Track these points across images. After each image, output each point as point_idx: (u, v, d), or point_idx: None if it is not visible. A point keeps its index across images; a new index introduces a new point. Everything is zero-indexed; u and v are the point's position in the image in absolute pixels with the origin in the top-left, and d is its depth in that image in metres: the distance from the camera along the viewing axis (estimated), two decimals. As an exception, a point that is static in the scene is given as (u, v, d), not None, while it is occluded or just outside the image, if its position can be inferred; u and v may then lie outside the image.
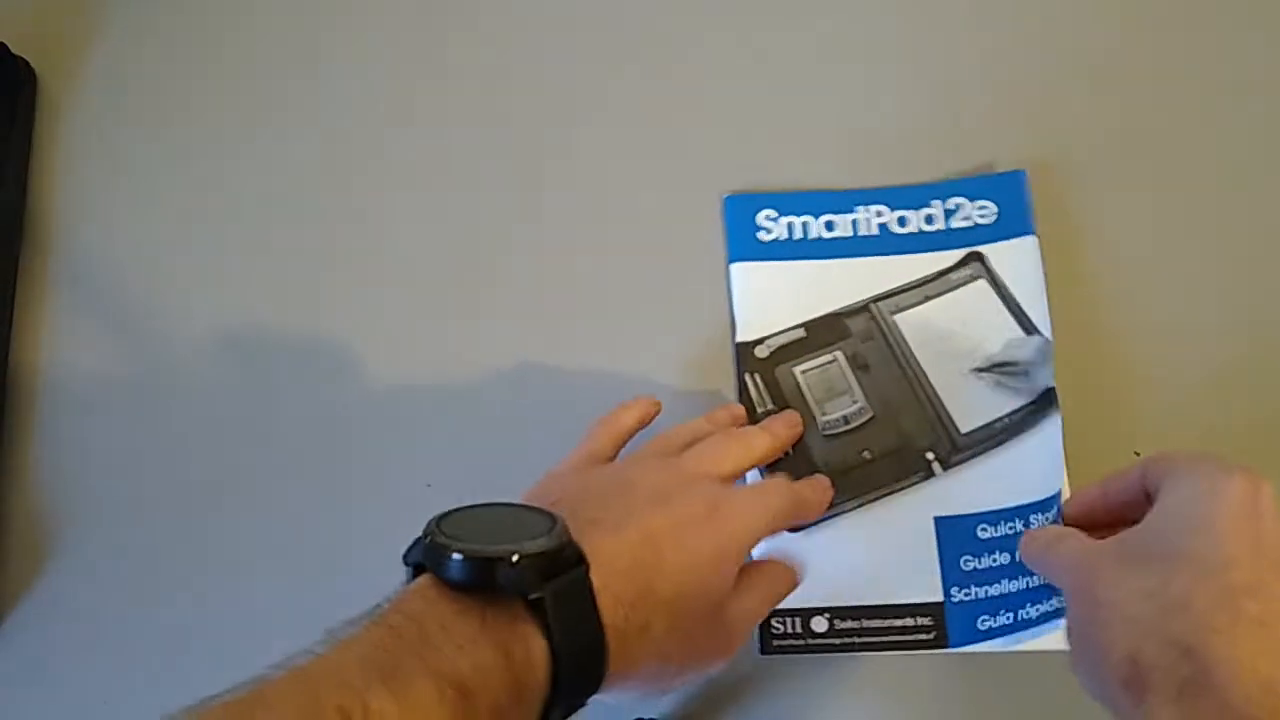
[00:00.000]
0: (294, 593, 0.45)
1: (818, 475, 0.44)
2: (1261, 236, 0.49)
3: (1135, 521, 0.34)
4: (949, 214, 0.48)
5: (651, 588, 0.33)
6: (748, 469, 0.41)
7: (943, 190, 0.49)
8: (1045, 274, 0.47)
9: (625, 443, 0.42)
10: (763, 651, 0.43)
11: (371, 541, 0.45)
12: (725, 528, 0.36)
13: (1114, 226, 0.49)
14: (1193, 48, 0.52)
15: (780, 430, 0.44)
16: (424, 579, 0.29)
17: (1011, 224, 0.48)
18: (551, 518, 0.31)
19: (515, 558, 0.28)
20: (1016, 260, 0.47)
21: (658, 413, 0.43)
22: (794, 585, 0.40)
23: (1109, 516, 0.38)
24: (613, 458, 0.41)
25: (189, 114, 0.53)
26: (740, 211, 0.49)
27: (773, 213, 0.49)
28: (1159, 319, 0.48)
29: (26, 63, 0.53)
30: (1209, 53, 0.52)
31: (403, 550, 0.42)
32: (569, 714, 0.30)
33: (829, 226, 0.49)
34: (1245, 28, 0.52)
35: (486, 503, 0.32)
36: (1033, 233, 0.47)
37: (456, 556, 0.28)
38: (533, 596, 0.28)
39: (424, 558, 0.29)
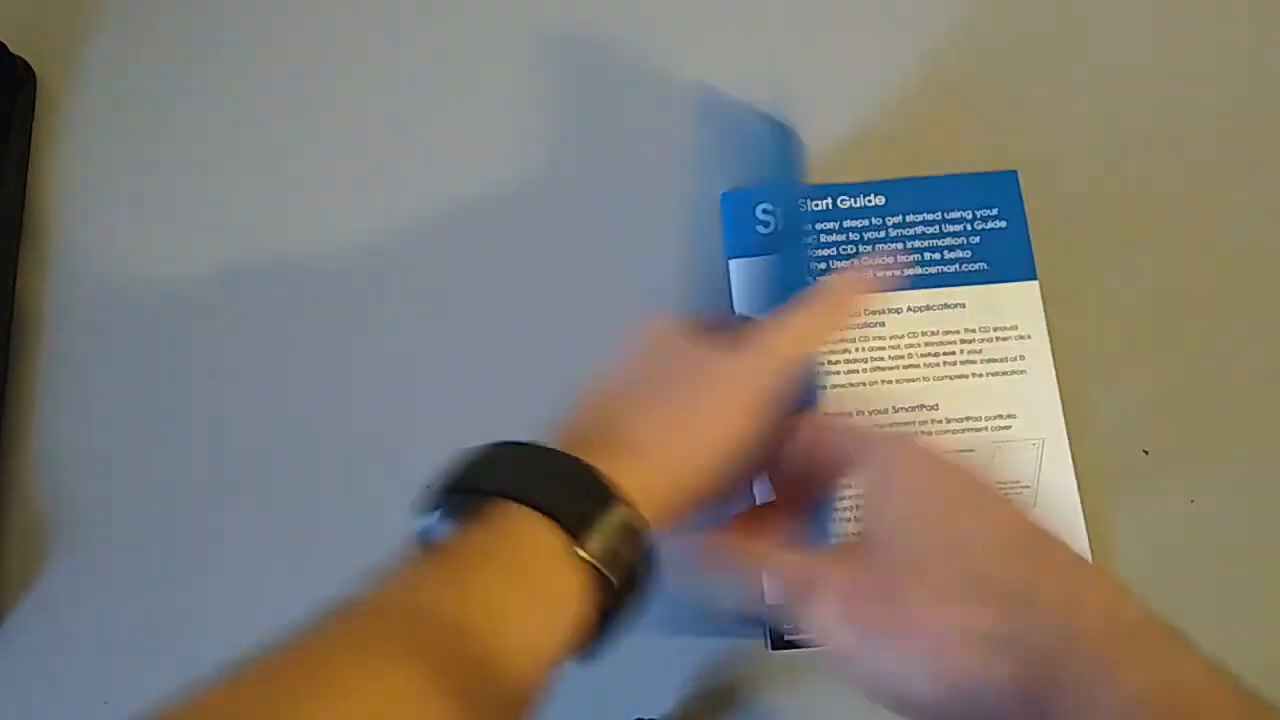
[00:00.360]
0: (295, 591, 0.44)
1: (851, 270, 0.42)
2: (1263, 234, 0.48)
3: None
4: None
5: (697, 482, 0.33)
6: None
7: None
8: (1041, 277, 0.47)
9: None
10: (772, 648, 0.43)
11: (374, 539, 0.45)
12: (745, 374, 0.34)
13: (1111, 226, 0.49)
14: (1192, 47, 0.52)
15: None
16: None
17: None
18: (602, 485, 0.30)
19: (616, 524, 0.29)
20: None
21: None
22: (852, 310, 0.38)
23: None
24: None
25: (189, 114, 0.53)
26: (738, 207, 0.49)
27: (770, 206, 0.49)
28: (1160, 316, 0.48)
29: (26, 62, 0.53)
30: (1210, 52, 0.52)
31: (402, 549, 0.42)
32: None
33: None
34: (1246, 27, 0.52)
35: (520, 442, 0.32)
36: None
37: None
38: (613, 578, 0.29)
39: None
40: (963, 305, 0.47)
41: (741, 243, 0.48)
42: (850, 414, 0.46)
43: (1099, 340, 0.47)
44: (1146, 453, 0.46)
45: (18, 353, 0.49)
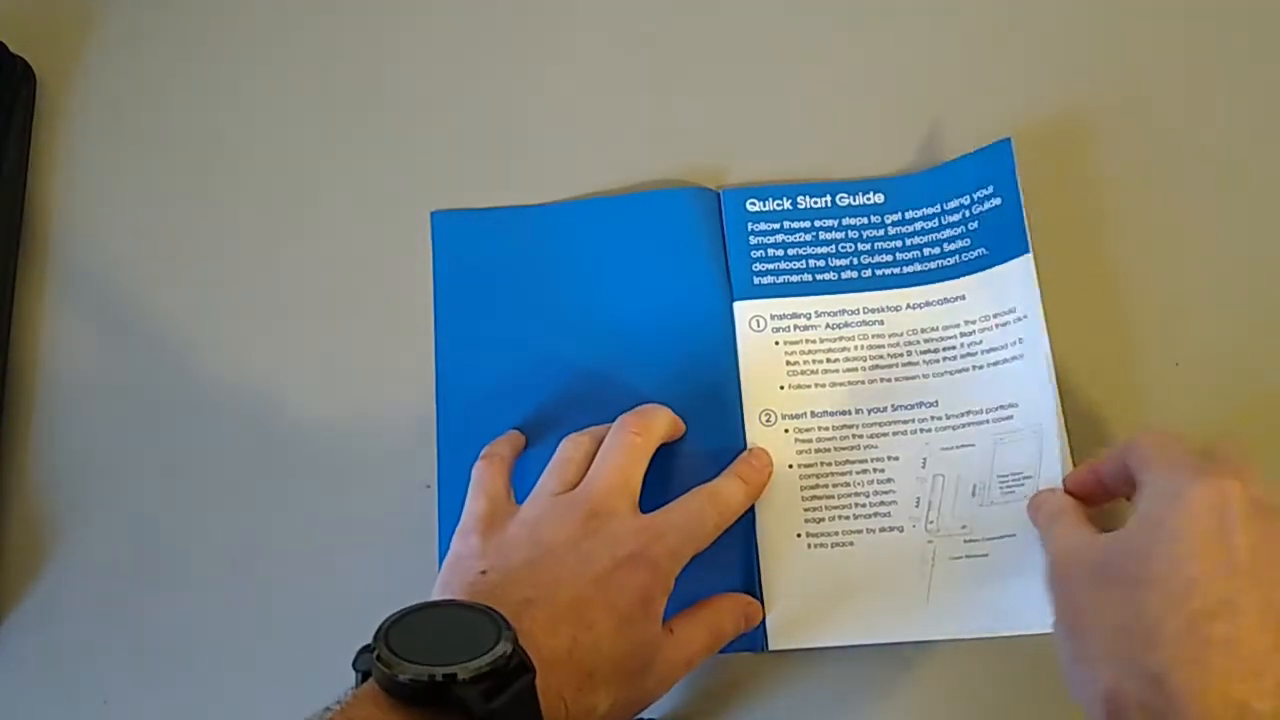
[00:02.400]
0: (294, 592, 0.45)
1: (753, 450, 0.44)
2: (1267, 223, 0.48)
3: (1129, 497, 0.36)
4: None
5: (592, 671, 0.33)
6: (649, 455, 0.41)
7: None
8: (1037, 266, 0.47)
9: (512, 469, 0.41)
10: (765, 648, 0.43)
11: (372, 540, 0.45)
12: (648, 566, 0.36)
13: (1112, 209, 0.49)
14: (1192, 34, 0.52)
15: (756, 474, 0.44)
16: (373, 685, 0.29)
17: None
18: (497, 624, 0.31)
19: (463, 677, 0.28)
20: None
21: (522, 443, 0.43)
22: (742, 626, 0.40)
23: (1104, 495, 0.39)
24: (510, 496, 0.40)
25: (188, 114, 0.53)
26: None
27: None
28: (1161, 306, 0.48)
29: (26, 62, 0.53)
30: (1207, 52, 0.52)
31: (401, 550, 0.42)
32: None
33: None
34: (1239, 31, 0.52)
35: (434, 602, 0.32)
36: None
37: (403, 678, 0.28)
38: (480, 716, 0.28)
39: (373, 674, 0.29)
40: (962, 298, 0.47)
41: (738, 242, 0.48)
42: (850, 411, 0.46)
43: (1099, 339, 0.47)
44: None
45: (17, 352, 0.49)
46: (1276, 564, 0.31)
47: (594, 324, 0.47)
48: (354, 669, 0.30)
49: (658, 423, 0.42)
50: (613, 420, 0.43)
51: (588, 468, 0.40)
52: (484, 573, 0.35)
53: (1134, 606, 0.31)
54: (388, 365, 0.48)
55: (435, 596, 0.35)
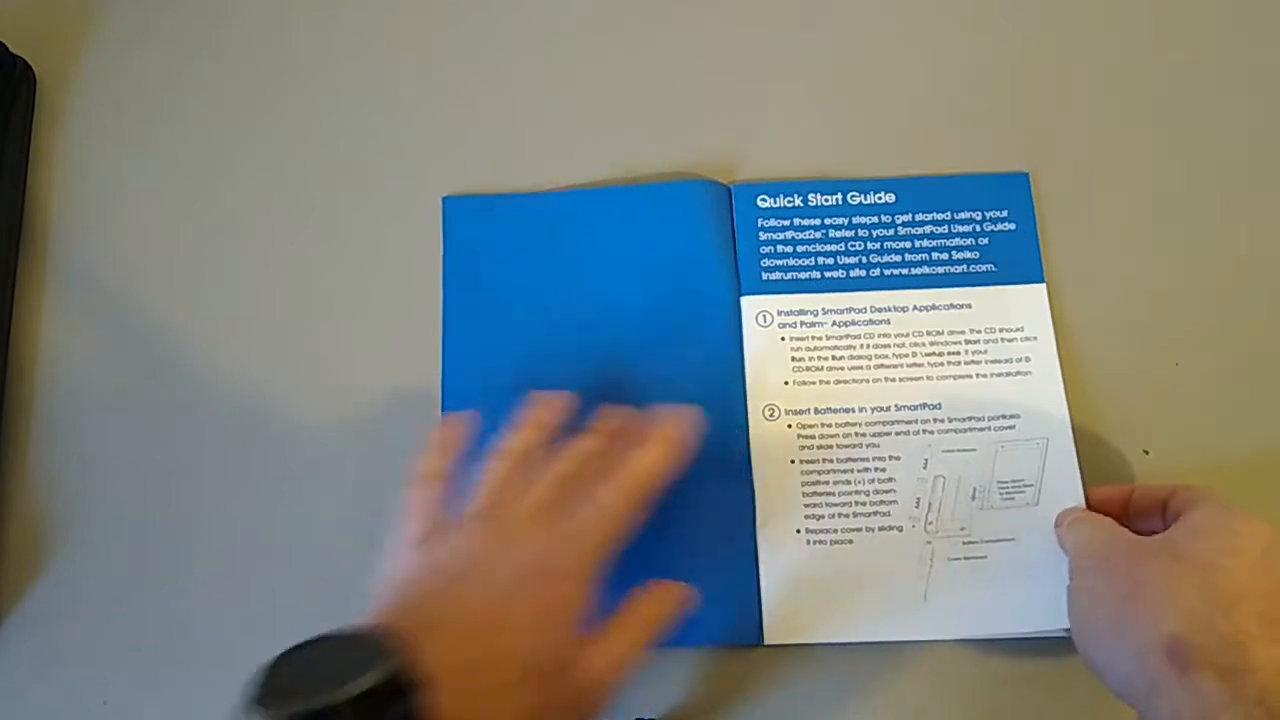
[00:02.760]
0: (294, 592, 0.45)
1: (669, 413, 0.42)
2: (1271, 236, 0.49)
3: (1142, 533, 0.39)
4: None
5: (502, 683, 0.33)
6: (571, 468, 0.40)
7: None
8: (1049, 279, 0.47)
9: (447, 494, 0.41)
10: (762, 643, 0.43)
11: (370, 540, 0.45)
12: (558, 575, 0.36)
13: (1119, 223, 0.49)
14: (1197, 50, 0.52)
15: (672, 433, 0.42)
16: None
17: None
18: (380, 647, 0.30)
19: (342, 700, 0.28)
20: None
21: (464, 433, 0.42)
22: (669, 611, 0.39)
23: (1124, 519, 0.41)
24: (439, 525, 0.39)
25: (189, 113, 0.53)
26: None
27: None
28: (1161, 307, 0.48)
29: (26, 63, 0.53)
30: (1214, 56, 0.52)
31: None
32: None
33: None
34: (1246, 31, 0.52)
35: (321, 635, 0.32)
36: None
37: (284, 715, 0.28)
38: None
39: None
40: (969, 305, 0.47)
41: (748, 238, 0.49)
42: (854, 409, 0.46)
43: (1102, 340, 0.47)
44: (1147, 452, 0.46)
45: (17, 352, 0.49)
46: None
47: (602, 313, 0.48)
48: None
49: (583, 446, 0.41)
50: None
51: (514, 488, 0.40)
52: (397, 600, 0.36)
53: (1207, 579, 0.35)
54: (392, 364, 0.48)
55: None
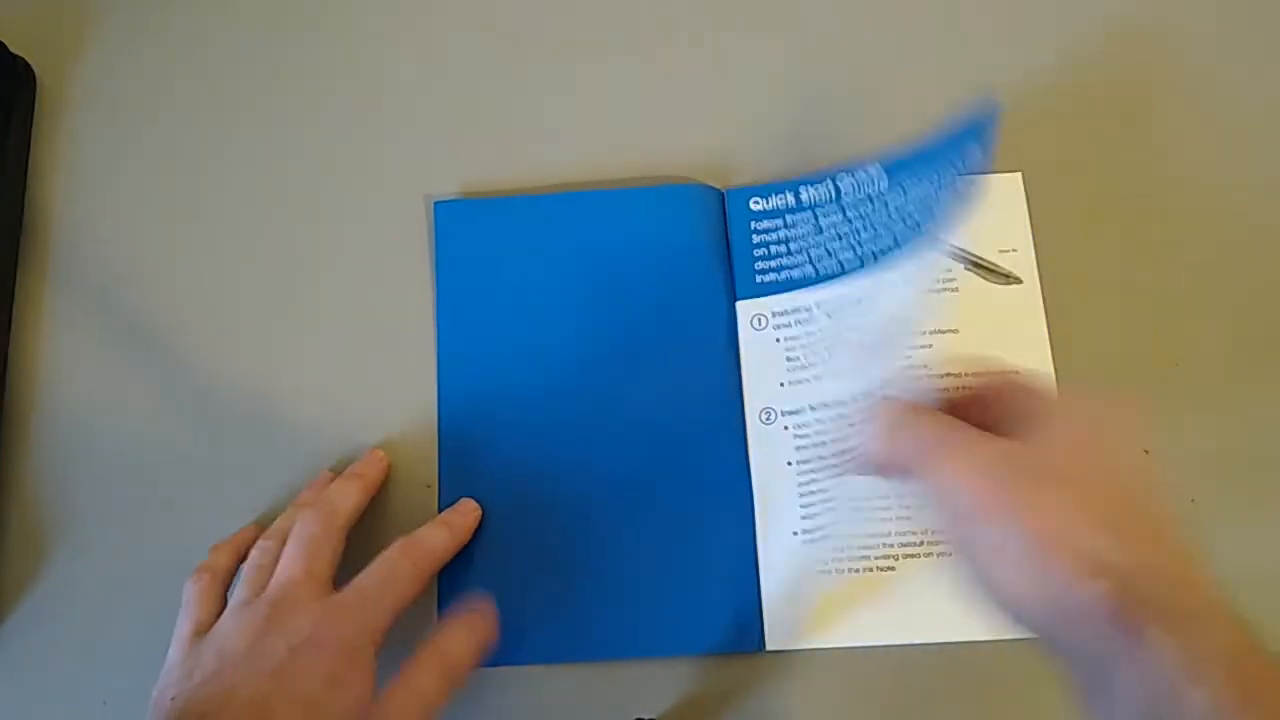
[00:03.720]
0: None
1: (461, 501, 0.44)
2: (1267, 223, 0.49)
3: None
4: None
5: None
6: (339, 538, 0.41)
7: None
8: (1040, 275, 0.47)
9: (227, 588, 0.41)
10: (763, 649, 0.43)
11: (372, 540, 0.45)
12: (330, 647, 0.36)
13: (1113, 223, 0.49)
14: (1194, 48, 0.52)
15: (367, 470, 0.44)
16: None
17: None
18: None
19: None
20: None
21: (252, 538, 0.42)
22: (475, 643, 0.40)
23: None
24: (218, 613, 0.39)
25: (188, 114, 0.53)
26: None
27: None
28: (1161, 306, 0.48)
29: (26, 63, 0.53)
30: (1211, 55, 0.52)
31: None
32: None
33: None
34: (1242, 29, 0.52)
35: None
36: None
37: None
38: None
39: None
40: (955, 290, 0.48)
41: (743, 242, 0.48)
42: (846, 401, 0.46)
43: (1099, 342, 0.47)
44: (1147, 452, 0.46)
45: (17, 352, 0.49)
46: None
47: (596, 319, 0.47)
48: None
49: (341, 504, 0.42)
50: (604, 422, 0.44)
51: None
52: (173, 699, 0.36)
53: (1109, 509, 0.29)
54: (389, 366, 0.48)
55: None
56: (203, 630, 0.39)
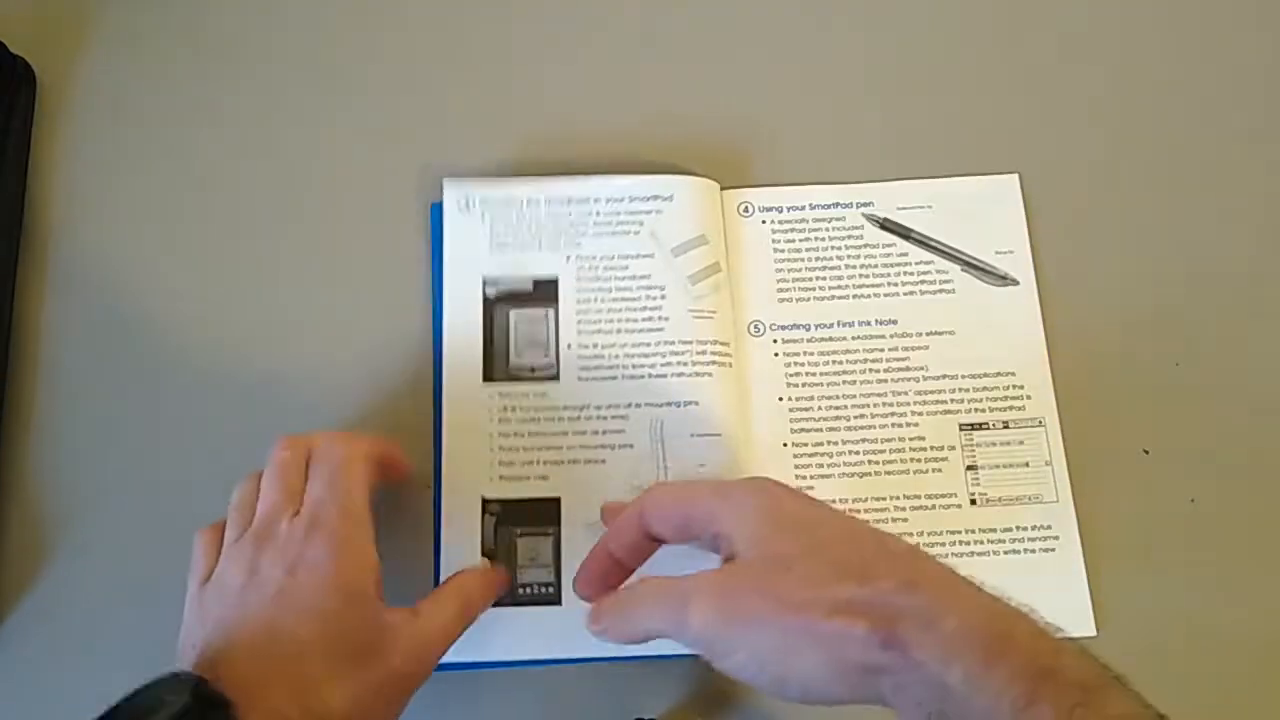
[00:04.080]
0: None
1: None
2: (1266, 231, 0.49)
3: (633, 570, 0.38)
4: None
5: (306, 677, 0.34)
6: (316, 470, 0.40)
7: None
8: (1038, 276, 0.48)
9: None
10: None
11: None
12: (330, 551, 0.36)
13: (1110, 224, 0.49)
14: (1191, 47, 0.52)
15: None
16: None
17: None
18: (174, 678, 0.31)
19: None
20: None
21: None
22: (491, 596, 0.41)
23: (620, 572, 0.39)
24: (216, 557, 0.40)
25: (188, 114, 0.53)
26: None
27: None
28: (1161, 306, 0.48)
29: (26, 63, 0.53)
30: (1208, 56, 0.52)
31: (399, 551, 0.42)
32: None
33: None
34: (1238, 29, 0.52)
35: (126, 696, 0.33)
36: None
37: None
38: None
39: None
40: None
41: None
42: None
43: (1096, 343, 0.47)
44: (1147, 452, 0.46)
45: (17, 352, 0.49)
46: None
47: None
48: None
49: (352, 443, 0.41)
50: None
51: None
52: (192, 649, 0.36)
53: (840, 555, 0.33)
54: (388, 366, 0.48)
55: None
56: (207, 577, 0.39)
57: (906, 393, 0.46)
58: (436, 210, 0.49)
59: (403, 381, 0.48)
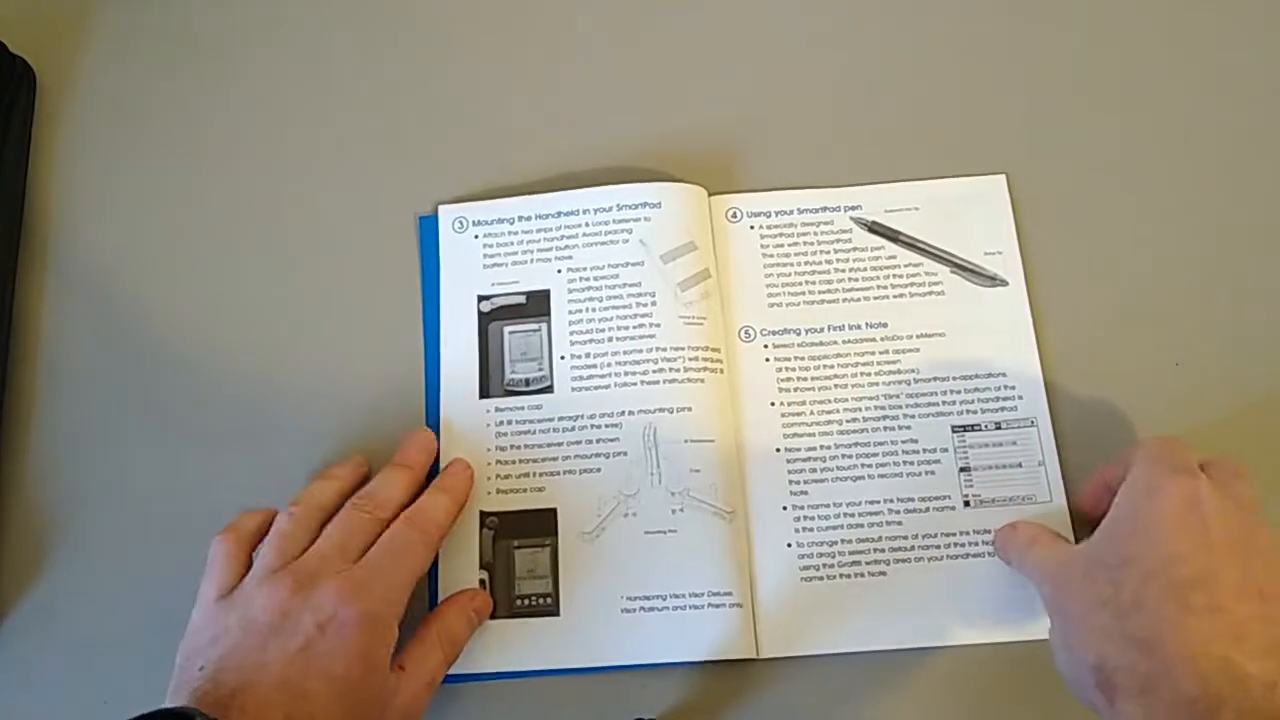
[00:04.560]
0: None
1: (452, 462, 0.45)
2: (1255, 229, 0.49)
3: None
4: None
5: None
6: (382, 528, 0.41)
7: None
8: (1027, 276, 0.48)
9: (252, 551, 0.41)
10: (758, 657, 0.43)
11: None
12: (355, 625, 0.36)
13: (1103, 223, 0.49)
14: (1181, 46, 0.52)
15: (455, 483, 0.44)
16: None
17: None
18: (188, 714, 0.31)
19: None
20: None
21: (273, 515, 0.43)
22: (475, 622, 0.42)
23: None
24: (243, 575, 0.40)
25: (188, 114, 0.53)
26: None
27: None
28: (1161, 305, 0.48)
29: (26, 63, 0.53)
30: (1196, 53, 0.52)
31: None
32: None
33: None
34: (1230, 28, 0.52)
35: (137, 716, 0.32)
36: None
37: None
38: None
39: None
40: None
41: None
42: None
43: (1090, 340, 0.47)
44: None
45: (17, 352, 0.49)
46: (1249, 546, 0.33)
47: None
48: None
49: (435, 516, 0.42)
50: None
51: (307, 540, 0.40)
52: (201, 669, 0.36)
53: (1116, 582, 0.34)
54: (385, 368, 0.48)
55: (168, 702, 0.36)
56: (226, 593, 0.39)
57: (898, 395, 0.46)
58: (425, 223, 0.50)
59: (399, 385, 0.48)
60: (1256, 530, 0.34)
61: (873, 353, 0.47)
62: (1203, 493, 0.34)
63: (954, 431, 0.46)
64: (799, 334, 0.47)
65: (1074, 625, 0.35)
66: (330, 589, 0.37)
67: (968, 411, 0.46)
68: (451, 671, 0.41)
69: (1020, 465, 0.45)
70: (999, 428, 0.46)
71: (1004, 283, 0.48)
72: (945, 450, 0.46)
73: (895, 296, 0.48)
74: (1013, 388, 0.46)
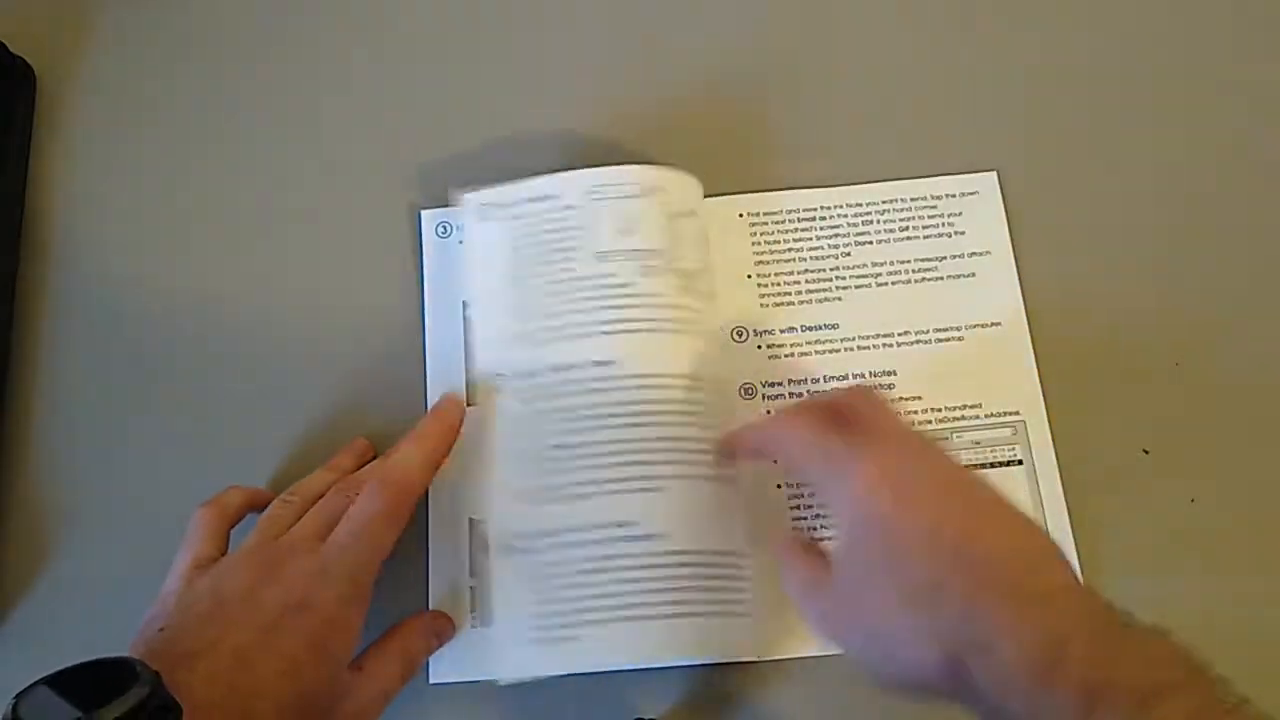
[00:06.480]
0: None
1: (439, 402, 0.44)
2: (1254, 228, 0.49)
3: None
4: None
5: (250, 714, 0.33)
6: (338, 499, 0.41)
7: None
8: (1021, 279, 0.48)
9: (232, 527, 0.42)
10: (757, 659, 0.43)
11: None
12: (316, 614, 0.36)
13: (1097, 227, 0.49)
14: (1172, 50, 0.52)
15: (430, 429, 0.43)
16: None
17: None
18: (134, 670, 0.30)
19: None
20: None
21: (265, 499, 0.42)
22: (434, 644, 0.41)
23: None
24: (222, 552, 0.40)
25: (187, 114, 0.53)
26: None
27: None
28: (1161, 305, 0.48)
29: (26, 62, 0.53)
30: (1189, 51, 0.52)
31: (397, 551, 0.42)
32: None
33: None
34: (1223, 29, 0.52)
35: (75, 664, 0.31)
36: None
37: None
38: None
39: None
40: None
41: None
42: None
43: (1085, 338, 0.47)
44: (1147, 452, 0.46)
45: (18, 352, 0.49)
46: (952, 489, 0.35)
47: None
48: None
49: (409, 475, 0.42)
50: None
51: (293, 524, 0.40)
52: (161, 630, 0.36)
53: (900, 585, 0.33)
54: (383, 367, 0.48)
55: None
56: (201, 565, 0.39)
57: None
58: (422, 215, 0.50)
59: (397, 382, 0.48)
60: (933, 461, 0.35)
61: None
62: (885, 463, 0.34)
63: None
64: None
65: (887, 637, 0.33)
66: (299, 571, 0.37)
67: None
68: (449, 679, 0.41)
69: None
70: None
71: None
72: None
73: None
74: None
